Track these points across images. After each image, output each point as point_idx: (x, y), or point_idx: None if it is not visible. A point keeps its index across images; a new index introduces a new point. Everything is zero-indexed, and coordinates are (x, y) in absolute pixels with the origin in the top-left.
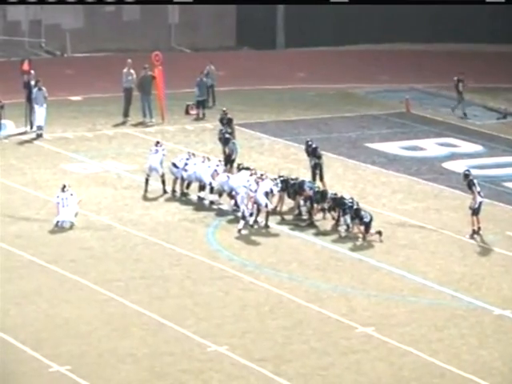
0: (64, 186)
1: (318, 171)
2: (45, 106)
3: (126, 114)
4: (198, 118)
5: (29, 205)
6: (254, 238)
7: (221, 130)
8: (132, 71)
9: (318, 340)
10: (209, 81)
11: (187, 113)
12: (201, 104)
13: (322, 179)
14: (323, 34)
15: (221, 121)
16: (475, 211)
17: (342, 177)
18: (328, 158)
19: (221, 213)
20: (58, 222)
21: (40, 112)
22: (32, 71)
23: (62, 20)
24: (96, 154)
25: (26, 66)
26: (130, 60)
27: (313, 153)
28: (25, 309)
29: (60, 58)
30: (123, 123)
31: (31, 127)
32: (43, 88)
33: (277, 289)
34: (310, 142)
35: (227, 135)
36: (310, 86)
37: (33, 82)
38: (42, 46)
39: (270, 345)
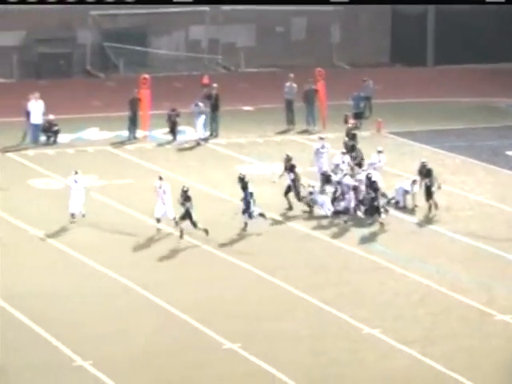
0: (160, 178)
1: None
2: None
3: (289, 122)
4: (355, 128)
5: (209, 201)
6: (405, 233)
7: (348, 133)
8: (294, 85)
9: (460, 325)
10: (365, 93)
11: (346, 122)
12: (357, 116)
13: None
14: (471, 51)
15: (347, 135)
16: None
17: (483, 181)
18: (472, 164)
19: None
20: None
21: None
22: (215, 84)
23: (237, 39)
24: (266, 157)
25: (205, 80)
26: (291, 74)
27: (371, 185)
28: (196, 292)
29: (234, 73)
30: (289, 130)
31: (211, 134)
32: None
33: (425, 279)
34: (369, 174)
35: (351, 142)
36: (456, 100)
37: (214, 93)
38: (219, 62)
39: (419, 329)
